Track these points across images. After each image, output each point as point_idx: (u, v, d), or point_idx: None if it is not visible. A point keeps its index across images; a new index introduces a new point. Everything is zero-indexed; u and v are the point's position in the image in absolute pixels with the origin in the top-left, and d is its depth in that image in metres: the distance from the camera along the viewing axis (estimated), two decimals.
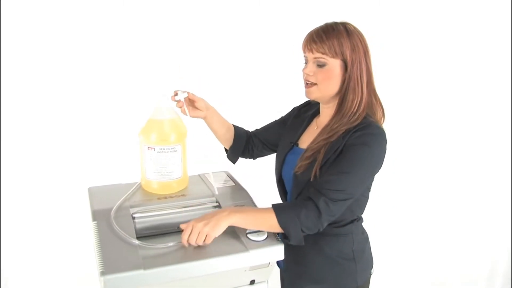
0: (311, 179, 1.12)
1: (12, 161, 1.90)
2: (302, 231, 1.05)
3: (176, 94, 1.24)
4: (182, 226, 1.05)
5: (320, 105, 1.25)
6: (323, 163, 1.12)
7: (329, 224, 1.14)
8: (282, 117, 1.43)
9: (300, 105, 1.39)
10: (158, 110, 1.22)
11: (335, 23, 1.15)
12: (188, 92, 1.25)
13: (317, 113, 1.29)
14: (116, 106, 1.93)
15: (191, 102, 1.28)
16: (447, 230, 2.41)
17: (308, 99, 1.31)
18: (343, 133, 1.12)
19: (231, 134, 1.39)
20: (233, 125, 1.41)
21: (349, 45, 1.12)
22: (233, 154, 1.41)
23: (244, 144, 1.41)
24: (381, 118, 1.20)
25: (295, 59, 1.20)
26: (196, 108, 1.29)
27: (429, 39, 2.21)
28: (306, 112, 1.34)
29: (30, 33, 1.82)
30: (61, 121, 1.92)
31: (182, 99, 1.24)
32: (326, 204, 1.06)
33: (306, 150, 1.17)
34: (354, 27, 1.16)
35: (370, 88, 1.16)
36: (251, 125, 1.49)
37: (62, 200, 1.94)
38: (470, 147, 2.37)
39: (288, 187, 1.26)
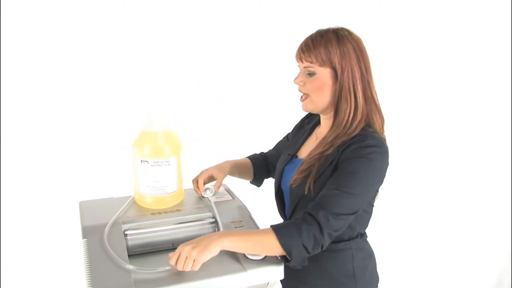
0: (305, 193, 1.08)
1: (4, 169, 1.86)
2: (305, 248, 0.99)
3: (204, 190, 1.30)
4: (171, 254, 0.97)
5: (320, 115, 1.20)
6: (318, 176, 1.08)
7: None
8: (288, 133, 1.40)
9: (305, 115, 1.35)
10: (152, 122, 1.17)
11: (326, 30, 1.09)
12: (214, 188, 1.31)
13: (318, 123, 1.24)
14: (109, 117, 1.89)
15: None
16: (454, 241, 2.37)
17: None
18: (339, 145, 1.08)
19: (251, 171, 1.41)
20: (250, 159, 1.42)
21: (338, 52, 1.06)
22: (256, 183, 1.45)
23: (265, 173, 1.43)
24: (381, 127, 1.14)
25: (295, 60, 1.16)
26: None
27: (429, 39, 2.19)
28: (309, 123, 1.30)
29: (27, 37, 1.78)
30: (52, 131, 1.87)
31: (209, 197, 1.28)
32: (326, 218, 1.00)
33: (302, 163, 1.13)
34: (349, 32, 1.10)
35: (367, 95, 1.10)
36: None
37: (52, 215, 1.89)
38: (474, 151, 2.33)
39: (286, 199, 1.21)
